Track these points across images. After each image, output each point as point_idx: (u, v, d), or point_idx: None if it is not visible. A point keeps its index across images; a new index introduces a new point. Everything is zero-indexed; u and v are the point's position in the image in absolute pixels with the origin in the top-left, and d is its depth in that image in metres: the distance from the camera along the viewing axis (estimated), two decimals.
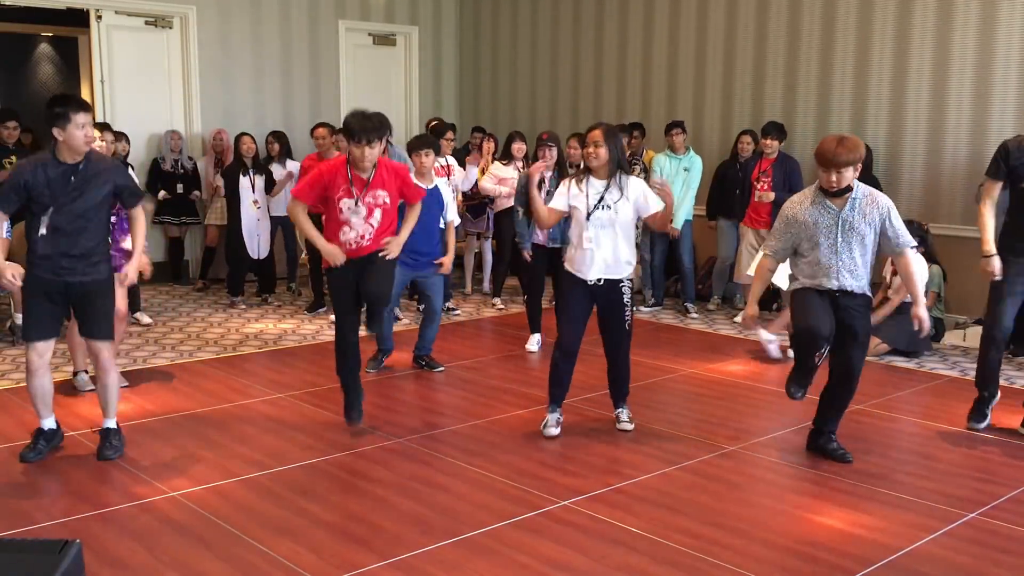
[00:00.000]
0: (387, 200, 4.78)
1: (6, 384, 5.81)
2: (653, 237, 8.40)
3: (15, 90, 14.03)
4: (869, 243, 4.45)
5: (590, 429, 5.11)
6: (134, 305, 7.74)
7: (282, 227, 8.61)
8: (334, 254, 4.75)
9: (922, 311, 4.46)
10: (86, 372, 5.72)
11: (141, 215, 4.62)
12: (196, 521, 3.85)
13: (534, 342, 6.93)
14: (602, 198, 4.79)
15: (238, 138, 8.38)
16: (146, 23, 9.28)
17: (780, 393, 5.59)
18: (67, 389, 5.70)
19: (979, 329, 7.07)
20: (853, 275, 4.46)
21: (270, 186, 8.31)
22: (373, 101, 10.30)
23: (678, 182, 8.14)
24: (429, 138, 6.28)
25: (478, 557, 3.55)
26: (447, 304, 8.16)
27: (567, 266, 4.97)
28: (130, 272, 4.64)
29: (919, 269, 4.56)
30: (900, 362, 6.63)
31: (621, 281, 4.88)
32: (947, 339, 7.12)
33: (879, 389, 5.99)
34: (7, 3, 8.91)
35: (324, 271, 4.93)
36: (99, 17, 9.06)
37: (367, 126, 4.62)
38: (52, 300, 4.38)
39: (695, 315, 8.16)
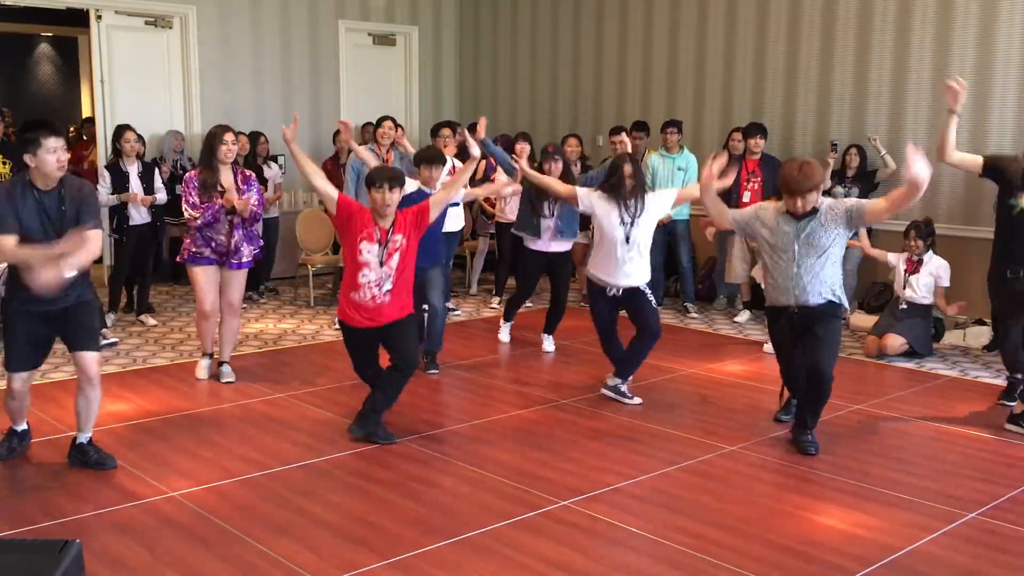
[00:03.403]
0: (403, 243, 4.86)
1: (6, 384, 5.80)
2: (652, 236, 8.38)
3: (15, 90, 14.04)
4: (834, 253, 4.60)
5: (590, 429, 5.11)
6: (141, 307, 7.74)
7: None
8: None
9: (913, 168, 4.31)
10: (229, 364, 5.98)
11: (95, 238, 4.19)
12: (196, 521, 3.85)
13: (505, 332, 7.10)
14: (632, 219, 5.42)
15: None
16: (146, 23, 9.28)
17: (780, 393, 5.59)
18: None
19: (980, 329, 7.10)
20: (814, 288, 4.61)
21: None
22: (373, 101, 10.34)
23: (672, 181, 8.17)
24: (438, 154, 6.24)
25: (478, 557, 3.55)
26: (447, 304, 8.15)
27: (591, 273, 5.59)
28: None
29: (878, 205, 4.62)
30: (900, 362, 6.63)
31: (639, 287, 5.51)
32: (947, 339, 7.11)
33: (879, 389, 5.99)
34: (7, 3, 8.91)
35: (339, 323, 5.00)
36: (99, 17, 9.05)
37: (388, 173, 4.85)
38: (36, 329, 4.31)
39: (695, 315, 8.16)
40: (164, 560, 3.50)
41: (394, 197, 4.80)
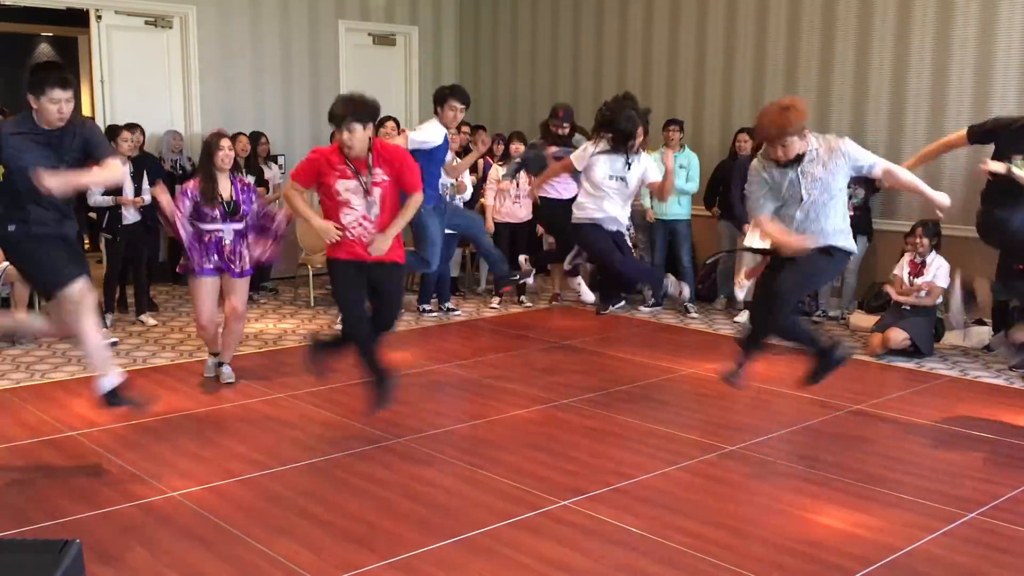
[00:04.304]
0: (385, 178, 4.70)
1: (6, 384, 5.81)
2: (653, 236, 8.41)
3: (15, 90, 14.02)
4: (836, 191, 4.35)
5: (590, 429, 5.11)
6: (140, 307, 7.74)
7: None
8: (327, 230, 4.68)
9: (933, 195, 4.36)
10: (229, 365, 5.92)
11: (115, 163, 4.26)
12: (196, 521, 3.85)
13: (586, 292, 6.78)
14: (627, 168, 5.77)
15: (233, 138, 8.40)
16: (146, 23, 9.28)
17: (780, 393, 5.61)
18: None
19: (980, 329, 7.09)
20: (818, 226, 4.39)
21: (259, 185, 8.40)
22: None
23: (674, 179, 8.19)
24: (456, 88, 6.54)
25: (478, 557, 3.55)
26: (447, 304, 8.16)
27: (583, 216, 5.87)
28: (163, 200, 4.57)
29: (905, 174, 4.44)
30: (900, 362, 6.63)
31: (622, 230, 5.97)
32: (947, 339, 7.11)
33: (879, 389, 5.99)
34: (7, 3, 8.91)
35: (328, 262, 4.88)
36: (99, 17, 9.06)
37: (349, 109, 4.57)
38: (52, 243, 4.18)
39: (695, 315, 8.16)
40: (164, 560, 3.50)
41: (355, 136, 4.55)
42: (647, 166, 5.91)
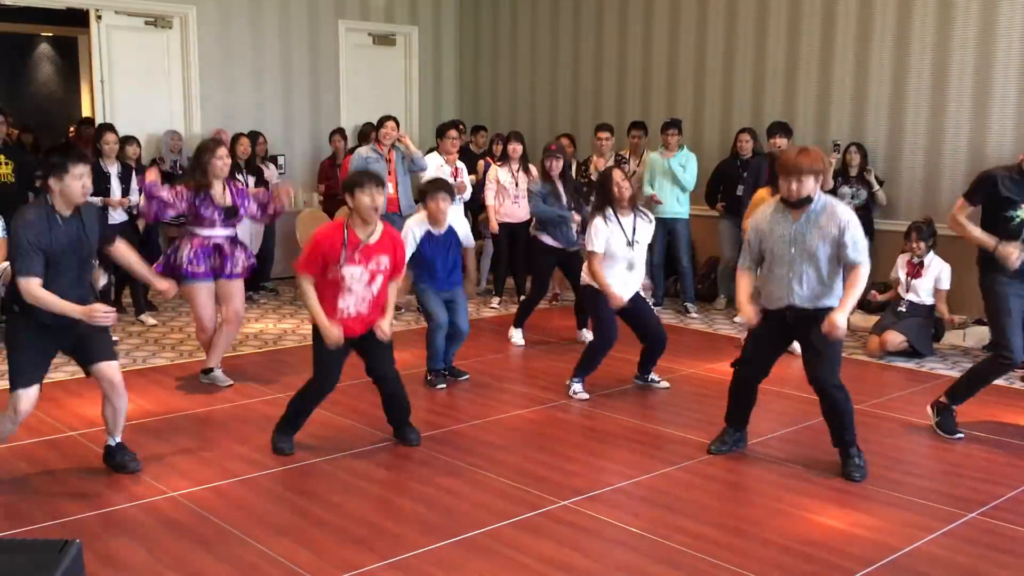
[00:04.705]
0: (387, 266, 4.61)
1: (6, 384, 5.79)
2: (652, 236, 8.40)
3: (15, 90, 14.04)
4: (824, 256, 4.33)
5: (590, 429, 5.11)
6: (139, 307, 7.74)
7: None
8: (334, 338, 4.51)
9: (839, 318, 4.24)
10: (221, 368, 5.91)
11: (124, 245, 4.56)
12: (196, 521, 3.85)
13: (519, 336, 7.12)
14: (634, 232, 5.58)
15: (234, 139, 8.39)
16: (146, 23, 9.28)
17: (780, 393, 5.61)
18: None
19: (980, 329, 7.09)
20: (808, 290, 4.37)
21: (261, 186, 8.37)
22: (373, 101, 10.35)
23: (672, 179, 8.19)
24: (445, 182, 5.97)
25: (478, 557, 3.55)
26: None
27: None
28: (165, 286, 4.66)
29: (862, 283, 4.33)
30: (900, 362, 6.63)
31: (639, 291, 5.75)
32: (947, 339, 7.11)
33: (879, 389, 5.99)
34: (7, 3, 8.91)
35: (314, 330, 4.70)
36: (99, 17, 9.06)
37: (372, 176, 4.55)
38: (45, 340, 4.15)
39: (695, 315, 8.16)
40: (164, 560, 3.50)
41: (382, 200, 4.50)
42: (648, 228, 5.70)
